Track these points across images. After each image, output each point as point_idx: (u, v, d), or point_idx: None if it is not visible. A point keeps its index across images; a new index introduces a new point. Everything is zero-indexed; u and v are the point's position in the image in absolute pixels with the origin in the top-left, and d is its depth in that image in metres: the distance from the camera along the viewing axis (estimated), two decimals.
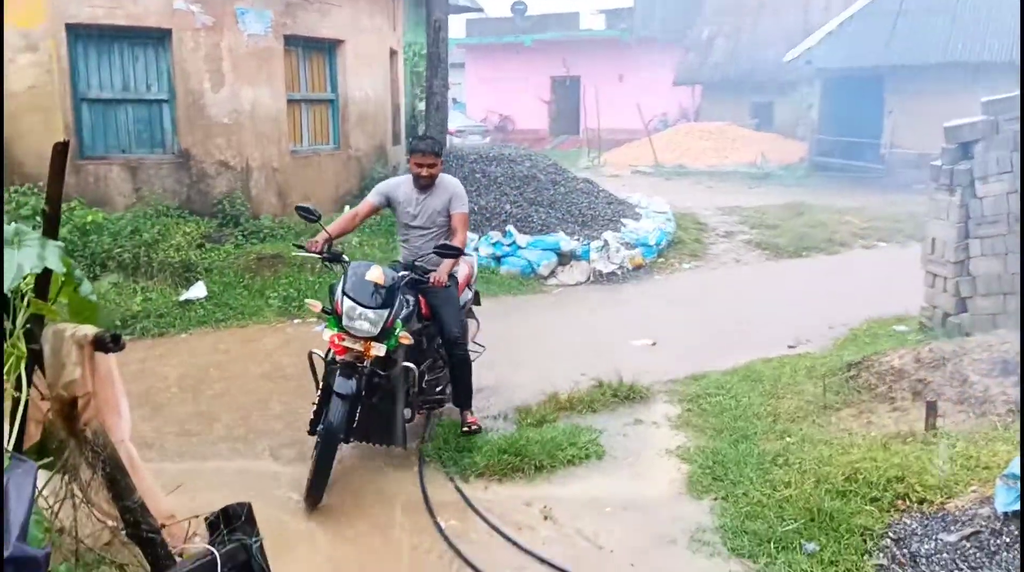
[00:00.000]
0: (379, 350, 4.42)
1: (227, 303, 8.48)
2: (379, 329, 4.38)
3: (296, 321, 8.40)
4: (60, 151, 1.64)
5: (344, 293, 4.42)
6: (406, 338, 4.59)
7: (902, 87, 18.76)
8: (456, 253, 4.80)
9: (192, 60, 9.33)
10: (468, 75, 32.88)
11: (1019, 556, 3.28)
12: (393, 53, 12.77)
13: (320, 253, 4.78)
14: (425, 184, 5.08)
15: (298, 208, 4.82)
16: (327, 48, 10.95)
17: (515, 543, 3.99)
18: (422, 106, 15.11)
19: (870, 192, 17.05)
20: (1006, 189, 6.13)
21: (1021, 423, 3.29)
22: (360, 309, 4.37)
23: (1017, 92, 6.28)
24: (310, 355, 4.81)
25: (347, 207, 11.16)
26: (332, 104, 11.15)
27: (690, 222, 13.20)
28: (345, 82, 11.10)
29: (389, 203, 5.21)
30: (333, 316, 4.48)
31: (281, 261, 9.55)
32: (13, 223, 1.65)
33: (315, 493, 4.29)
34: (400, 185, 5.21)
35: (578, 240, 10.41)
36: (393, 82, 12.74)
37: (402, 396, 4.67)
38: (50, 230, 1.69)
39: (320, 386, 4.66)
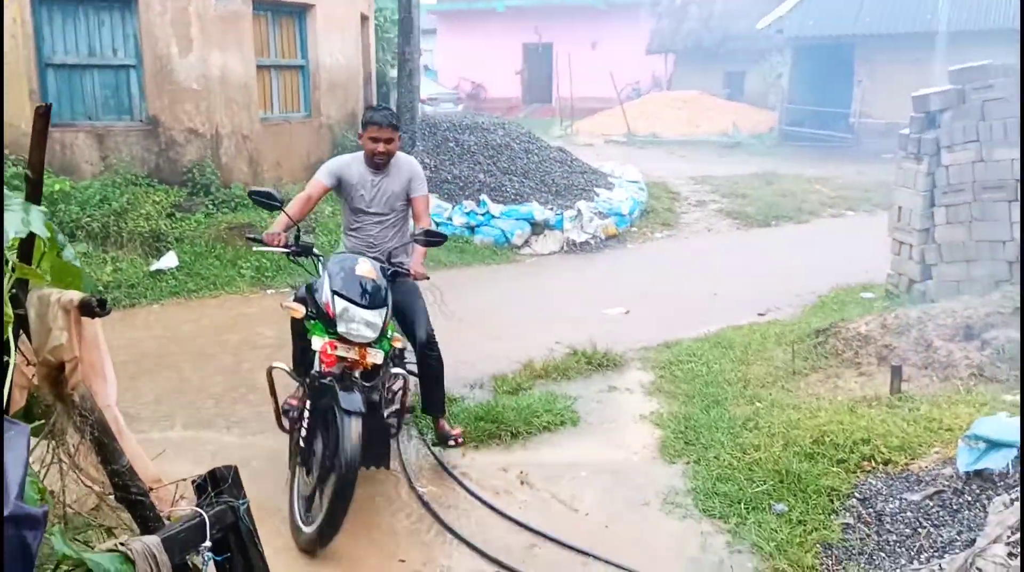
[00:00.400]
0: (376, 357, 3.86)
1: (199, 273, 8.42)
2: (379, 332, 3.84)
3: (270, 291, 8.37)
4: (42, 115, 1.63)
5: (335, 292, 3.79)
6: (398, 340, 4.11)
7: (871, 56, 18.91)
8: (442, 239, 4.29)
9: (159, 24, 9.14)
10: (440, 42, 32.50)
11: (981, 513, 3.41)
12: (364, 18, 12.60)
13: (285, 246, 4.06)
14: (381, 163, 4.41)
15: (252, 193, 4.05)
16: (297, 13, 10.78)
17: (492, 507, 4.06)
18: (393, 73, 14.94)
19: (839, 161, 17.22)
20: (971, 158, 6.25)
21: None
22: (356, 310, 3.78)
23: (986, 61, 6.37)
24: (269, 372, 4.05)
25: None
26: (303, 70, 11.00)
27: (662, 191, 13.27)
28: (316, 48, 10.95)
29: (339, 185, 4.45)
30: (318, 321, 3.85)
31: (253, 230, 9.47)
32: None
33: (331, 532, 3.58)
34: (350, 164, 4.47)
35: (551, 209, 10.43)
36: (365, 48, 12.57)
37: (396, 408, 4.16)
38: (33, 195, 1.69)
39: (284, 409, 4.09)
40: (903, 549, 3.43)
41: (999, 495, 3.40)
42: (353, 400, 3.56)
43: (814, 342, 5.95)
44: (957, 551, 3.28)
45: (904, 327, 5.59)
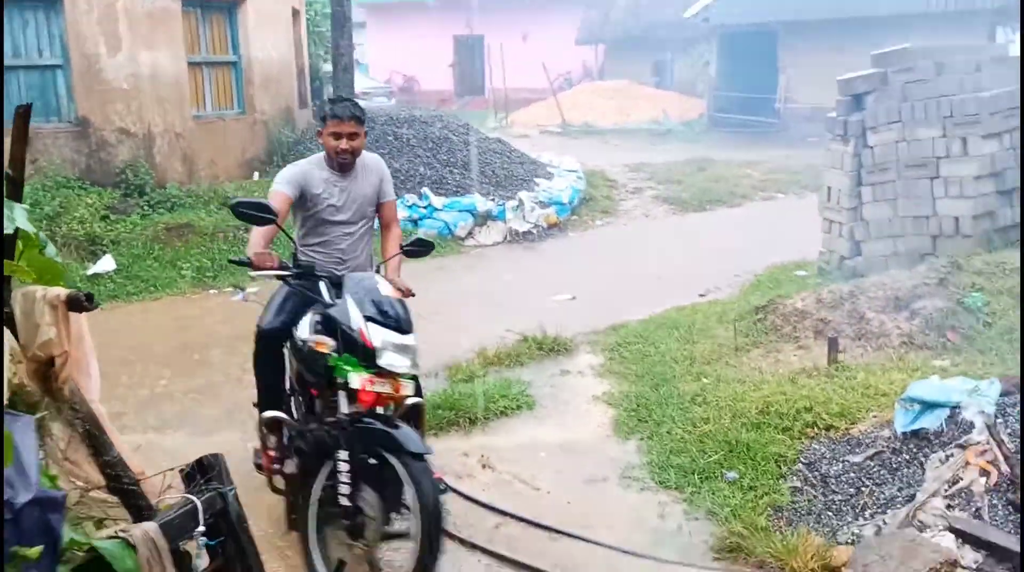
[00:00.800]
0: (408, 389, 3.36)
1: (138, 275, 8.28)
2: (416, 360, 3.33)
3: (212, 291, 8.28)
4: (23, 114, 1.66)
5: (369, 319, 3.23)
6: (415, 368, 3.50)
7: (794, 43, 19.45)
8: (430, 248, 3.89)
9: (86, 23, 8.92)
10: (369, 35, 32.20)
11: (919, 470, 3.64)
12: (295, 13, 12.47)
13: (281, 268, 3.47)
14: (346, 163, 3.79)
15: (239, 206, 3.34)
16: (227, 8, 10.62)
17: (456, 491, 4.14)
18: (326, 67, 14.82)
19: (767, 146, 17.71)
20: (895, 138, 6.55)
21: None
22: (393, 336, 3.24)
23: (906, 45, 6.69)
24: (266, 422, 3.65)
25: (256, 174, 10.94)
26: (235, 67, 10.85)
27: (600, 180, 13.48)
28: (247, 43, 10.80)
29: (300, 195, 3.77)
30: (349, 354, 3.22)
31: (191, 230, 9.34)
32: None
33: None
34: (310, 170, 3.80)
35: (493, 200, 10.52)
36: (297, 43, 12.45)
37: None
38: (14, 193, 1.71)
39: (271, 465, 3.66)
40: (848, 507, 3.65)
41: (935, 452, 3.64)
42: (413, 439, 3.12)
43: (754, 319, 6.18)
44: (899, 506, 3.51)
45: (838, 301, 5.86)
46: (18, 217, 1.69)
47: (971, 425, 3.64)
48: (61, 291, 1.73)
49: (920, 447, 3.73)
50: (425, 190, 10.44)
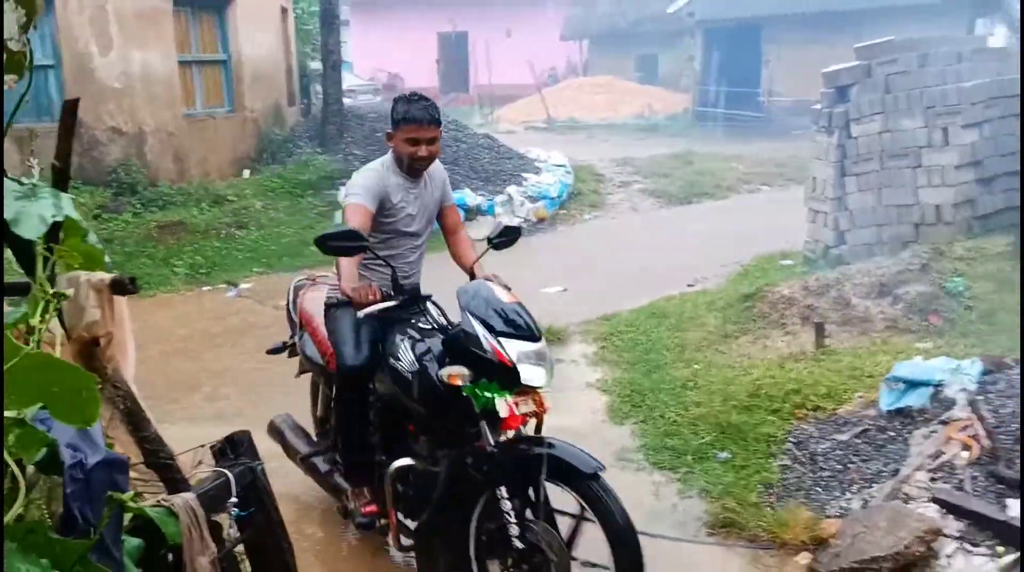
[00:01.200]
0: (548, 400, 3.03)
1: (131, 274, 8.33)
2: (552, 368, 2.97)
3: (206, 288, 8.36)
4: (70, 109, 1.77)
5: (500, 334, 2.86)
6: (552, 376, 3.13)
7: (778, 36, 19.68)
8: (518, 235, 3.57)
9: (77, 23, 8.98)
10: (353, 32, 32.20)
11: (904, 446, 3.80)
12: (284, 11, 12.53)
13: (386, 299, 3.10)
14: (420, 170, 3.42)
15: (326, 239, 2.96)
16: (217, 7, 10.69)
17: None
18: (314, 65, 14.87)
19: (752, 139, 17.91)
20: (877, 129, 6.72)
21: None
22: (530, 347, 2.87)
23: (889, 38, 6.86)
24: (403, 473, 3.15)
25: (245, 171, 11.01)
26: (224, 65, 10.92)
27: (587, 174, 13.61)
28: (237, 42, 10.87)
29: (379, 207, 3.36)
30: (483, 380, 2.84)
31: (183, 228, 9.41)
32: (24, 178, 1.79)
33: None
34: (387, 176, 3.39)
35: (483, 195, 10.65)
36: (285, 41, 12.52)
37: None
38: (61, 183, 1.83)
39: (394, 520, 3.17)
40: (836, 483, 3.80)
41: (918, 429, 3.80)
42: (581, 457, 2.79)
43: (742, 307, 6.34)
44: (884, 480, 3.67)
45: (823, 288, 6.03)
46: (66, 206, 1.80)
47: (953, 402, 3.80)
48: (104, 276, 1.84)
49: (904, 424, 3.89)
50: None
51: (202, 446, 2.15)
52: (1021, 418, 3.68)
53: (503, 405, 2.80)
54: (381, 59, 31.07)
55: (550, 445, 2.83)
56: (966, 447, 3.58)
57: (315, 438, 3.91)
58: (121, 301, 1.91)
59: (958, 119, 6.34)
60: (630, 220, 11.42)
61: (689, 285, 7.81)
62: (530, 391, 2.89)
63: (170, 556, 1.81)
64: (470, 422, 2.91)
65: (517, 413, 2.82)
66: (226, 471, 2.03)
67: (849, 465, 3.86)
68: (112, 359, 1.87)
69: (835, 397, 4.44)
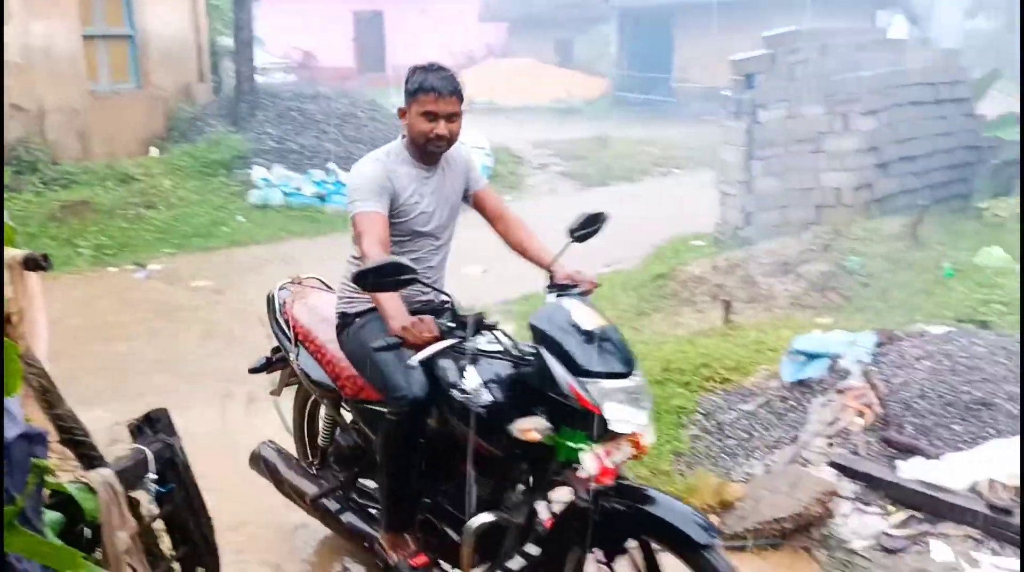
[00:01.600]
0: (650, 433, 2.40)
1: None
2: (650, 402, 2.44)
3: (112, 269, 8.12)
4: None
5: (586, 373, 2.32)
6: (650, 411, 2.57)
7: (690, 24, 20.11)
8: (603, 221, 3.03)
9: None
10: (264, 9, 31.30)
11: (803, 415, 4.02)
12: None
13: (443, 336, 2.45)
14: (437, 153, 2.84)
15: (368, 275, 2.35)
16: None
17: None
18: (224, 41, 14.45)
19: (664, 124, 18.29)
20: (782, 114, 7.00)
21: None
22: (620, 384, 2.32)
23: (793, 27, 7.13)
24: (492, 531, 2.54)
25: (153, 150, 10.66)
26: (131, 40, 10.52)
27: (507, 156, 13.69)
28: (143, 16, 10.49)
29: (389, 203, 2.79)
30: (565, 428, 2.36)
31: (88, 208, 9.08)
32: None
33: None
34: (394, 166, 2.81)
35: None
36: (195, 16, 12.11)
37: None
38: None
39: None
40: (741, 450, 4.00)
41: (817, 398, 4.02)
42: (692, 521, 2.32)
43: (655, 286, 6.55)
44: (785, 447, 3.88)
45: (731, 268, 6.28)
46: None
47: (848, 373, 4.04)
48: (16, 252, 1.81)
49: (804, 394, 4.11)
50: (331, 165, 10.43)
51: (117, 424, 2.14)
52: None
53: (591, 461, 2.31)
54: (294, 37, 30.36)
55: (651, 500, 2.38)
56: (860, 414, 3.82)
57: (308, 468, 3.38)
58: (33, 278, 1.89)
59: (857, 107, 6.67)
60: (548, 202, 11.55)
61: (606, 266, 7.97)
62: (618, 437, 2.34)
63: (88, 532, 1.82)
64: (554, 470, 2.48)
65: (609, 466, 2.32)
66: (144, 448, 2.03)
67: (753, 433, 4.06)
68: (24, 336, 1.84)
69: (741, 370, 4.64)
